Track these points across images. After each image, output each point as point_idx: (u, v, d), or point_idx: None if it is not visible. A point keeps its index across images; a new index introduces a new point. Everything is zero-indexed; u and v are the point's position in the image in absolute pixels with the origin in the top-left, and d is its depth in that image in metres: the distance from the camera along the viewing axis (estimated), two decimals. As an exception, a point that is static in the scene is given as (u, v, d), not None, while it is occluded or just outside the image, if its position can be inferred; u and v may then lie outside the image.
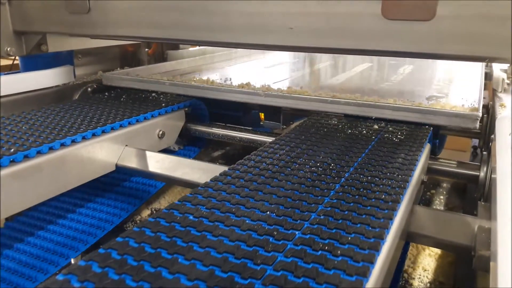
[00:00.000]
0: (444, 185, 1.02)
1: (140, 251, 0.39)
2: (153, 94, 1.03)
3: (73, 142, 0.72)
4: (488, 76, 1.19)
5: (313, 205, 0.48)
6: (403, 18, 0.60)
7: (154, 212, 0.92)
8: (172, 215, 0.45)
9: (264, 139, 0.89)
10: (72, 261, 0.72)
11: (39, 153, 0.66)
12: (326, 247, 0.40)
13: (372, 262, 0.38)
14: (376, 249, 0.40)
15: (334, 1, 0.64)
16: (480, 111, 0.76)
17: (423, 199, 0.95)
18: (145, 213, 0.92)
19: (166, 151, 0.93)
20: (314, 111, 0.86)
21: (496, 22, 0.56)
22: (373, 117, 0.81)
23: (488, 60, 0.69)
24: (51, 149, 0.68)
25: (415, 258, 0.86)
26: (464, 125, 0.75)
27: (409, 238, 0.56)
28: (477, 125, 0.74)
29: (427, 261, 0.85)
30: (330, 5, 0.65)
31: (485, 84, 1.10)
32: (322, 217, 0.46)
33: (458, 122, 0.75)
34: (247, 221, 0.44)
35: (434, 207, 0.94)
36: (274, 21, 0.69)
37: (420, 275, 0.80)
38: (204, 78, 1.06)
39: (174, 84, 1.00)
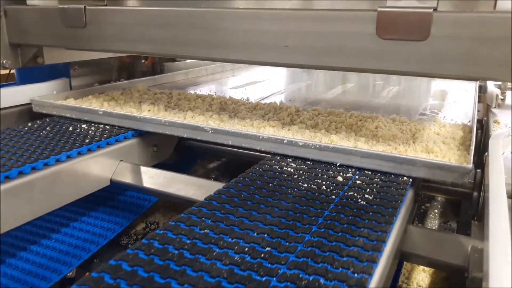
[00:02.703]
0: (439, 198, 1.03)
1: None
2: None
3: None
4: (482, 89, 1.20)
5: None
6: (398, 38, 0.60)
7: (149, 225, 0.92)
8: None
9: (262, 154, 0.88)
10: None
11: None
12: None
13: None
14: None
15: (329, 21, 0.65)
16: (471, 161, 0.62)
17: (418, 212, 0.95)
18: (140, 226, 0.92)
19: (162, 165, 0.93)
20: (267, 152, 0.73)
21: (490, 43, 0.56)
22: (338, 164, 0.68)
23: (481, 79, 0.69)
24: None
25: (409, 273, 0.86)
26: (450, 180, 0.61)
27: (403, 257, 0.57)
28: (467, 180, 0.60)
29: (421, 277, 0.85)
30: (325, 24, 0.65)
31: (479, 97, 1.11)
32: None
33: (443, 176, 0.61)
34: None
35: (429, 221, 0.94)
36: (270, 39, 0.69)
37: (414, 291, 0.80)
38: (198, 91, 1.06)
39: (108, 114, 0.87)
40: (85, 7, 0.86)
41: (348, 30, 0.64)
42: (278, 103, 1.00)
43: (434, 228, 0.90)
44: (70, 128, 0.85)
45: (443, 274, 0.86)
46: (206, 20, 0.74)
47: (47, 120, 0.92)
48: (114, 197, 0.91)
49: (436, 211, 0.98)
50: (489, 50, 0.56)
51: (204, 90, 1.24)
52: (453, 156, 0.68)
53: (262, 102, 1.02)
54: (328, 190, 0.59)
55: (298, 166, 0.67)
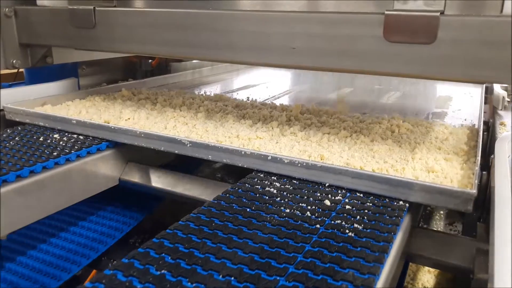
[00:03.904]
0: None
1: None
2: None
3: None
4: (488, 91, 1.20)
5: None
6: (405, 41, 0.61)
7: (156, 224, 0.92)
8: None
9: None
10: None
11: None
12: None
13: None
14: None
15: (336, 23, 0.65)
16: (476, 185, 0.55)
17: (424, 214, 0.95)
18: (147, 225, 0.92)
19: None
20: (250, 169, 0.67)
21: (496, 46, 0.56)
22: (327, 184, 0.61)
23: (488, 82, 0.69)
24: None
25: (415, 274, 0.86)
26: (451, 206, 0.54)
27: (409, 258, 0.57)
28: (471, 206, 0.53)
29: (426, 278, 0.86)
30: (333, 26, 0.66)
31: (485, 98, 1.11)
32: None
33: (443, 202, 0.54)
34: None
35: (434, 222, 0.94)
36: (277, 41, 0.70)
37: (419, 292, 0.80)
38: (201, 92, 1.05)
39: (82, 124, 0.81)
40: (94, 8, 0.87)
41: (356, 32, 0.64)
42: (270, 110, 0.94)
43: (439, 229, 0.90)
44: (41, 139, 0.79)
45: (448, 275, 0.86)
46: (214, 22, 0.75)
47: (19, 128, 0.86)
48: (122, 197, 0.91)
49: (441, 212, 0.99)
50: (495, 53, 0.56)
51: (204, 91, 1.22)
52: (455, 176, 0.61)
53: (256, 106, 0.99)
54: (313, 216, 0.52)
55: (282, 186, 0.61)
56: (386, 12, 0.61)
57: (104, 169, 0.77)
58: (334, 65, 0.67)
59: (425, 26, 0.59)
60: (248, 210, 0.53)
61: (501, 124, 0.84)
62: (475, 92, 1.29)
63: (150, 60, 1.39)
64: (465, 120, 0.93)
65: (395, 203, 0.56)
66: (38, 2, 0.97)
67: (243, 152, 0.66)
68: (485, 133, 0.86)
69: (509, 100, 0.95)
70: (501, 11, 0.57)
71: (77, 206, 0.79)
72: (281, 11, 0.71)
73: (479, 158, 0.63)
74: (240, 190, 0.59)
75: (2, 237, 0.62)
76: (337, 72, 0.72)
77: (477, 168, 0.59)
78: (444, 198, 0.54)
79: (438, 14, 0.58)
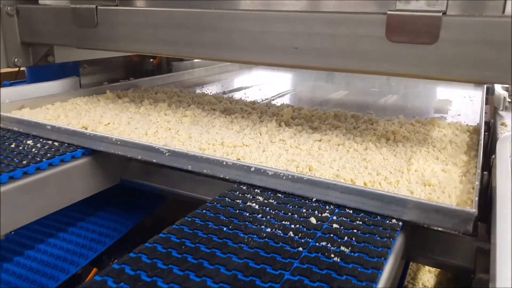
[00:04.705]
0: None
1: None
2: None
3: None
4: (489, 91, 1.20)
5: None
6: (407, 41, 0.61)
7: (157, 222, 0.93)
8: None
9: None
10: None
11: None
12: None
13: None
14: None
15: (338, 23, 0.65)
16: (477, 203, 0.51)
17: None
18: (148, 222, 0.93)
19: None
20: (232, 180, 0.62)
21: (498, 47, 0.56)
22: (314, 199, 0.57)
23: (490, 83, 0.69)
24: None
25: (415, 274, 0.87)
26: (449, 226, 0.50)
27: (409, 257, 0.57)
28: (470, 227, 0.49)
29: (426, 277, 0.86)
30: (335, 26, 0.66)
31: (486, 99, 1.11)
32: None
33: (440, 221, 0.50)
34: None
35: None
36: (279, 41, 0.70)
37: (420, 291, 0.81)
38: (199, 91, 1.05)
39: (57, 130, 0.76)
40: (96, 7, 0.87)
41: (358, 32, 0.64)
42: (259, 115, 0.90)
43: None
44: (13, 145, 0.74)
45: (448, 275, 0.86)
46: (216, 21, 0.75)
47: None
48: (124, 196, 0.91)
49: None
50: (497, 54, 0.57)
51: (198, 91, 1.20)
52: (454, 190, 0.57)
53: (246, 110, 0.95)
54: (296, 237, 0.47)
55: (265, 201, 0.56)
56: (389, 12, 0.61)
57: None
58: (336, 65, 0.67)
59: (427, 26, 0.59)
60: (224, 229, 0.48)
61: (502, 124, 0.84)
62: (475, 95, 1.27)
63: (151, 60, 1.39)
64: (466, 124, 0.92)
65: (387, 222, 0.51)
66: (40, 1, 0.97)
67: (224, 163, 0.62)
68: (486, 133, 0.86)
69: (510, 100, 0.95)
70: (503, 11, 0.57)
71: (76, 207, 0.79)
72: (283, 10, 0.71)
73: (479, 171, 0.59)
74: (218, 205, 0.54)
75: None
76: (339, 72, 0.71)
77: (477, 183, 0.56)
78: (441, 218, 0.50)
79: (440, 14, 0.59)
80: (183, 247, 0.44)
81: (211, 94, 1.15)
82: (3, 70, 1.16)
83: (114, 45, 0.89)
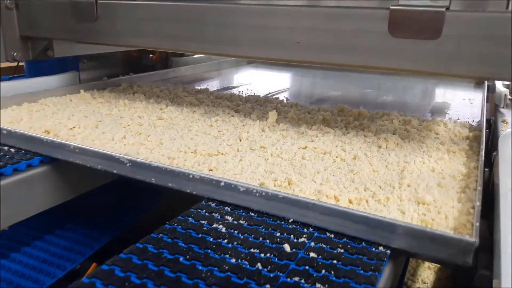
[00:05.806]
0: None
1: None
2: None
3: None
4: (490, 89, 1.20)
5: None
6: (410, 36, 0.60)
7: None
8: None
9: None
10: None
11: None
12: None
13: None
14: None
15: (341, 18, 0.65)
16: (477, 231, 0.43)
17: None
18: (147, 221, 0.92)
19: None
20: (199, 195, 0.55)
21: (502, 42, 0.56)
22: (290, 220, 0.49)
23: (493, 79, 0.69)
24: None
25: (415, 270, 0.87)
26: (445, 257, 0.42)
27: (409, 253, 0.57)
28: (470, 259, 0.42)
29: (426, 274, 0.86)
30: (338, 21, 0.65)
31: (487, 97, 1.11)
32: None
33: (434, 250, 0.43)
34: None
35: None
36: (281, 35, 0.70)
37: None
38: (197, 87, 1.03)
39: (12, 135, 0.69)
40: (96, 0, 0.87)
41: (360, 27, 0.64)
42: (242, 118, 0.83)
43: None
44: None
45: (448, 271, 0.86)
46: (218, 15, 0.75)
47: None
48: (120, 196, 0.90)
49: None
50: (500, 49, 0.57)
51: (196, 87, 1.17)
52: (451, 210, 0.49)
53: (229, 113, 0.87)
54: (264, 271, 0.39)
55: (235, 222, 0.48)
56: (391, 7, 0.61)
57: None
58: (338, 60, 0.67)
59: (430, 22, 0.59)
60: (181, 259, 0.40)
61: (503, 121, 0.84)
62: (475, 97, 1.22)
63: (151, 55, 1.39)
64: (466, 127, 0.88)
65: (373, 249, 0.44)
66: (40, -5, 0.96)
67: (191, 176, 0.54)
68: (487, 130, 0.86)
69: (511, 98, 0.95)
70: (507, 7, 0.57)
71: (73, 203, 0.78)
72: (285, 5, 0.71)
73: (480, 188, 0.52)
74: (179, 227, 0.46)
75: None
76: (341, 67, 0.71)
77: (479, 203, 0.48)
78: (436, 247, 0.42)
79: (443, 9, 0.58)
80: (127, 284, 0.37)
81: (199, 89, 1.10)
82: (2, 65, 1.15)
83: (114, 40, 0.89)
